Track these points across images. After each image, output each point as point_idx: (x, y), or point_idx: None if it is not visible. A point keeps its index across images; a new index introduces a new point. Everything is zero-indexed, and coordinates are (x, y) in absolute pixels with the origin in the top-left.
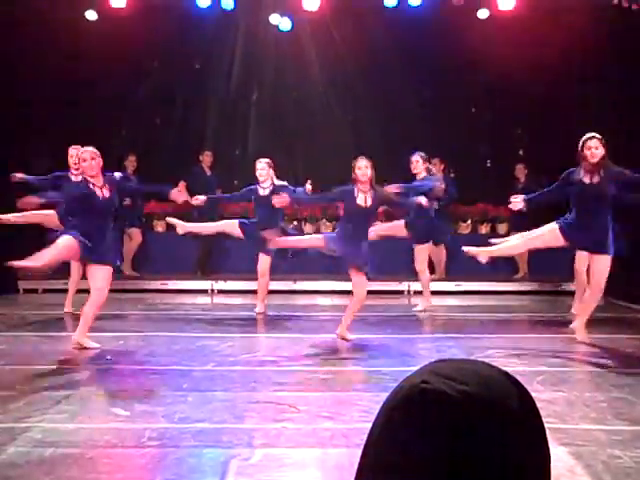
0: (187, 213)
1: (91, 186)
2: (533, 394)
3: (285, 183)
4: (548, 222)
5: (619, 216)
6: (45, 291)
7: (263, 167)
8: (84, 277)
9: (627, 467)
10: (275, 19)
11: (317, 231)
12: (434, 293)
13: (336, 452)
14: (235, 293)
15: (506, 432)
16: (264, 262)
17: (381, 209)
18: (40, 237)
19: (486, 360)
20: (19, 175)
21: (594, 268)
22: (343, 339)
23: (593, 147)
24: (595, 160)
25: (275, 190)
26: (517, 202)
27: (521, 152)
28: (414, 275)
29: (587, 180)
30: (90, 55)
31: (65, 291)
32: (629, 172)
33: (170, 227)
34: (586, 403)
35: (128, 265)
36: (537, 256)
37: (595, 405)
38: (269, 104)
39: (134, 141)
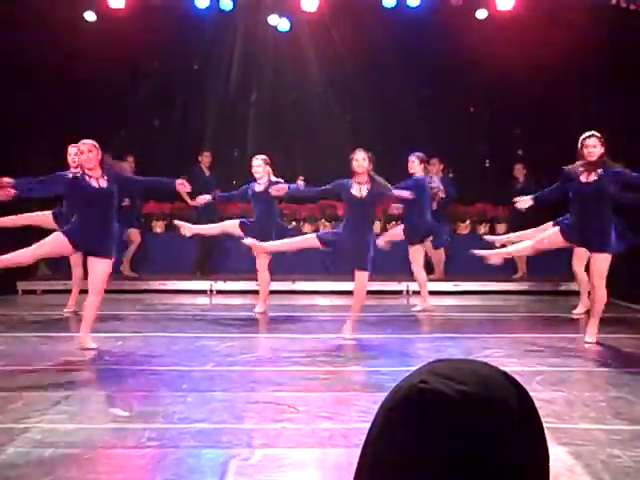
0: (186, 214)
1: (87, 178)
2: (532, 394)
3: (281, 180)
4: (547, 222)
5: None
6: (44, 292)
7: (259, 164)
8: (86, 278)
9: (626, 466)
10: (274, 20)
11: (316, 231)
12: (433, 293)
13: (335, 452)
14: (234, 293)
15: (505, 432)
16: (262, 258)
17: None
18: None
19: (485, 360)
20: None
21: (593, 268)
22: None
23: (591, 145)
24: (593, 159)
25: (271, 186)
26: (525, 200)
27: (520, 152)
28: (412, 275)
29: (584, 179)
30: (89, 56)
31: (64, 292)
32: (629, 171)
33: (169, 227)
34: (585, 403)
35: (127, 266)
36: (536, 256)
37: (594, 405)
38: (268, 104)
39: (133, 141)
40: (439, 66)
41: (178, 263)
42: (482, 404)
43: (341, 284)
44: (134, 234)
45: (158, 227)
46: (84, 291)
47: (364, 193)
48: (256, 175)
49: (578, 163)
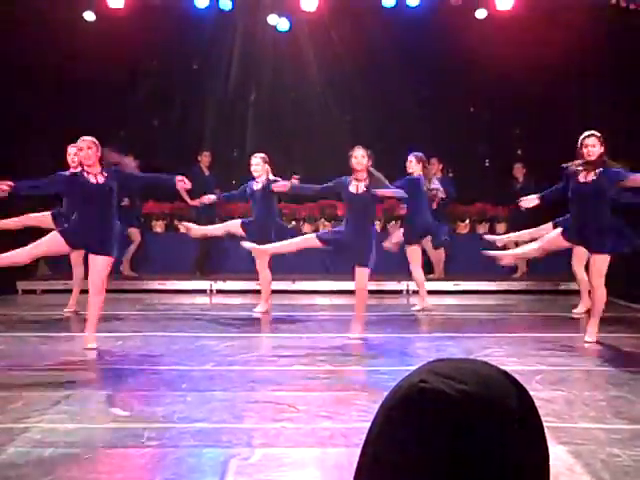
0: (186, 214)
1: (86, 174)
2: (532, 393)
3: (279, 179)
4: (546, 222)
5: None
6: (44, 292)
7: (258, 162)
8: (87, 277)
9: (626, 466)
10: (273, 19)
11: (316, 231)
12: (433, 292)
13: (335, 452)
14: (234, 293)
15: (505, 431)
16: (262, 258)
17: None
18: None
19: (485, 359)
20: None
21: (592, 268)
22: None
23: (590, 145)
24: (591, 158)
25: (270, 184)
26: (531, 199)
27: (519, 152)
28: (410, 275)
29: (582, 178)
30: (89, 55)
31: (64, 291)
32: (628, 172)
33: (169, 227)
34: (585, 402)
35: (127, 265)
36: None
37: (594, 404)
38: (267, 104)
39: (132, 141)
40: (439, 66)
41: (178, 263)
42: (482, 403)
43: (341, 283)
44: (134, 234)
45: (158, 227)
46: (85, 291)
47: (361, 190)
48: (255, 173)
49: (577, 161)
